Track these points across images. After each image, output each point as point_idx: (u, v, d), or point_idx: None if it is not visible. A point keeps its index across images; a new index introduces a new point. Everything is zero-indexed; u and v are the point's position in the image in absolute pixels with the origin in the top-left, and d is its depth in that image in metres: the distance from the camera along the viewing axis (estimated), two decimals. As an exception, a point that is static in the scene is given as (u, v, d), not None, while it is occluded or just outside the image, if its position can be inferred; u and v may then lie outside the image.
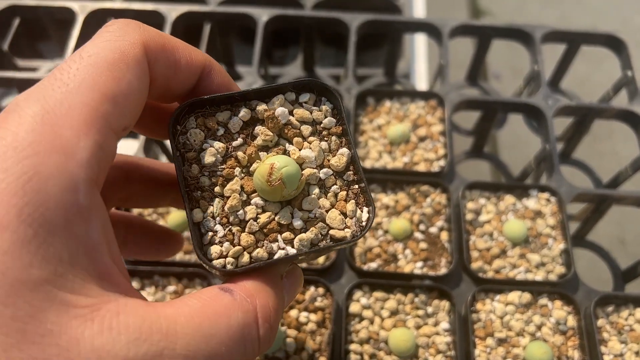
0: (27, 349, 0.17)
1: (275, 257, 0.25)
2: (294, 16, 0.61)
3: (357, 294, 0.46)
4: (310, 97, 0.27)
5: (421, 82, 0.70)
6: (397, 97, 0.56)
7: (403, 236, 0.48)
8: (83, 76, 0.21)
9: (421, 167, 0.52)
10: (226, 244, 0.25)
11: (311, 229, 0.26)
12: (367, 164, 0.53)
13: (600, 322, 0.45)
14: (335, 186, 0.27)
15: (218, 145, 0.26)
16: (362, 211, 0.26)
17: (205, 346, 0.20)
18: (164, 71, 0.24)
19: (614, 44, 0.61)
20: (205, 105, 0.26)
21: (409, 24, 0.61)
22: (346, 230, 0.26)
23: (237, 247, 0.25)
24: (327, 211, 0.26)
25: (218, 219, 0.25)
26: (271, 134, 0.26)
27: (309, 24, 0.62)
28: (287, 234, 0.26)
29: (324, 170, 0.26)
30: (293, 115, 0.27)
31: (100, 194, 0.26)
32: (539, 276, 0.47)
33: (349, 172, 0.27)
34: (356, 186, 0.27)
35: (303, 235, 0.25)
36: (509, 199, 0.50)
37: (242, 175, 0.26)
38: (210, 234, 0.25)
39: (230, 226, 0.25)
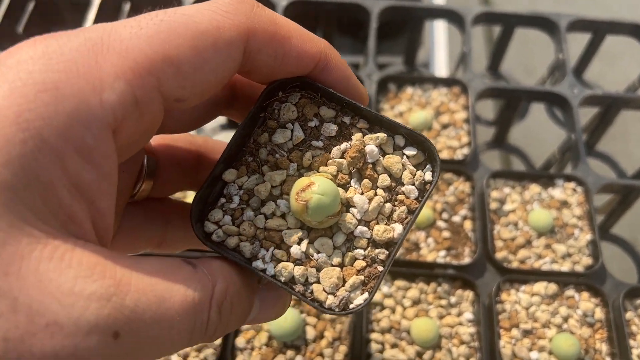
0: None
1: (253, 263, 0.23)
2: (315, 1, 0.60)
3: (379, 282, 0.45)
4: (417, 155, 0.24)
5: (441, 70, 0.68)
6: (419, 83, 0.55)
7: (426, 224, 0.47)
8: (161, 29, 0.19)
9: (444, 155, 0.51)
10: (227, 218, 0.24)
11: (302, 267, 0.23)
12: (388, 151, 0.51)
13: (629, 314, 0.44)
14: (360, 251, 0.23)
15: (299, 134, 0.24)
16: (361, 294, 0.23)
17: (156, 308, 0.18)
18: (269, 61, 0.22)
19: (641, 33, 0.59)
20: (318, 92, 0.24)
21: (431, 10, 0.60)
22: (329, 297, 0.23)
23: (234, 228, 0.24)
24: (331, 265, 0.23)
25: (242, 192, 0.24)
26: (347, 169, 0.24)
27: (329, 10, 0.61)
28: (280, 252, 0.23)
29: (362, 229, 0.23)
30: (383, 158, 0.24)
31: (170, 177, 0.26)
32: (565, 267, 0.46)
33: (383, 249, 0.23)
34: (380, 268, 0.23)
35: (289, 266, 0.23)
36: (534, 188, 0.49)
37: (294, 173, 0.24)
38: (225, 200, 0.24)
39: (245, 205, 0.24)
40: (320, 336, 0.43)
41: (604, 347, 0.42)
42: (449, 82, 0.55)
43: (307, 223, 0.23)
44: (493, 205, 0.49)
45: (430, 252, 0.46)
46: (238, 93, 0.26)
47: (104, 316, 0.17)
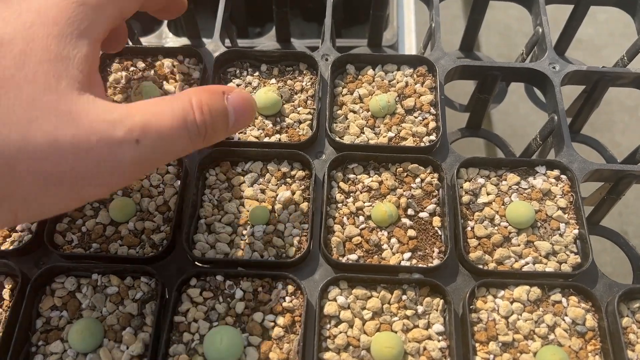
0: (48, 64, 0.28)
1: None
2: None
3: (334, 292, 0.38)
4: None
5: (411, 52, 0.62)
6: (382, 63, 0.49)
7: (388, 222, 0.41)
8: None
9: (409, 143, 0.45)
10: None
11: None
12: (347, 139, 0.45)
13: (625, 321, 0.38)
14: None
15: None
16: None
17: (155, 120, 0.29)
18: None
19: (627, 3, 0.53)
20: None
21: (394, -16, 0.54)
22: None
23: None
24: None
25: None
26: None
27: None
28: None
29: None
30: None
31: None
32: (550, 267, 0.39)
33: None
34: None
35: None
36: (513, 178, 0.43)
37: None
38: None
39: None
40: (265, 359, 0.36)
41: (597, 361, 0.36)
42: (414, 61, 0.48)
43: None
44: (465, 199, 0.42)
45: (394, 255, 0.40)
46: None
47: (127, 130, 0.28)
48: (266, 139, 0.45)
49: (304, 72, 0.49)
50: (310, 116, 0.46)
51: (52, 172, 0.26)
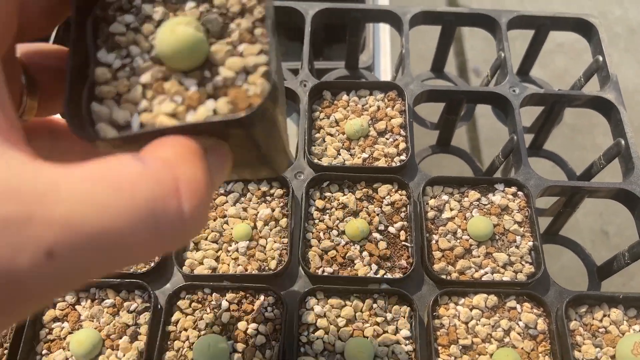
0: None
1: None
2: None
3: (311, 302, 0.42)
4: None
5: (386, 75, 0.66)
6: (355, 89, 0.53)
7: (360, 237, 0.45)
8: None
9: (382, 163, 0.49)
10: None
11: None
12: (325, 161, 0.49)
13: (573, 324, 0.42)
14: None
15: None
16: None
17: (97, 217, 0.16)
18: None
19: (584, 28, 0.58)
20: None
21: (368, 12, 0.58)
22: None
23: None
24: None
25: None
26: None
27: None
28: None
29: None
30: None
31: (55, 92, 0.24)
32: (506, 276, 0.44)
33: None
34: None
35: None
36: (474, 195, 0.47)
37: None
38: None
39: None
40: (248, 363, 0.40)
41: (547, 360, 0.40)
42: (384, 87, 0.52)
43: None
44: (430, 214, 0.46)
45: (365, 267, 0.44)
46: None
47: (28, 236, 0.14)
48: (190, 113, 0.22)
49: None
50: (265, 57, 0.22)
51: None
